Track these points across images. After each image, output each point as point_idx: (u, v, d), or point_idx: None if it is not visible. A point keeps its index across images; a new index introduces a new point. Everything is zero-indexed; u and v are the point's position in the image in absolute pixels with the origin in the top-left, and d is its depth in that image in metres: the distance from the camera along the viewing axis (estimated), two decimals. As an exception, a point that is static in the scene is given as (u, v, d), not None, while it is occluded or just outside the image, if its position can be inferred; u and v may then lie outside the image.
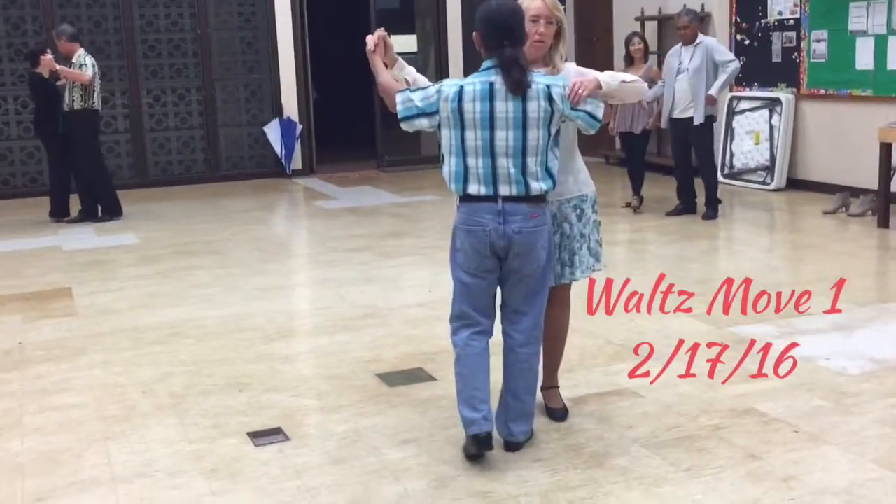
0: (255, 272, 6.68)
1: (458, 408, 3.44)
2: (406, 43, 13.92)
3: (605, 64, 11.83)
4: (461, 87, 3.33)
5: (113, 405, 4.18)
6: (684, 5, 10.38)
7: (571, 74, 3.58)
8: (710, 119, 7.97)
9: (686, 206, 8.24)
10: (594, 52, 12.25)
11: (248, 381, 4.43)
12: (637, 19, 11.04)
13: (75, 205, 9.07)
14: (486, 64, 3.37)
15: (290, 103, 11.73)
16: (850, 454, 3.42)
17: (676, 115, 7.99)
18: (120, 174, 11.21)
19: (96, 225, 8.75)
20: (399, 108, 3.45)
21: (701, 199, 8.12)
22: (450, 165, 3.40)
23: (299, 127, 11.71)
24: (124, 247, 7.73)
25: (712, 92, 7.78)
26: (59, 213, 9.04)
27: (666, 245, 7.27)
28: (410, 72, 3.83)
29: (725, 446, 3.52)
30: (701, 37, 8.09)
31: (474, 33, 3.43)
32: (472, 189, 3.36)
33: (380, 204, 9.53)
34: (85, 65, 8.56)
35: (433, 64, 12.71)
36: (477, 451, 3.40)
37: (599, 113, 3.43)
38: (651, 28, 10.99)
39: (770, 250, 7.31)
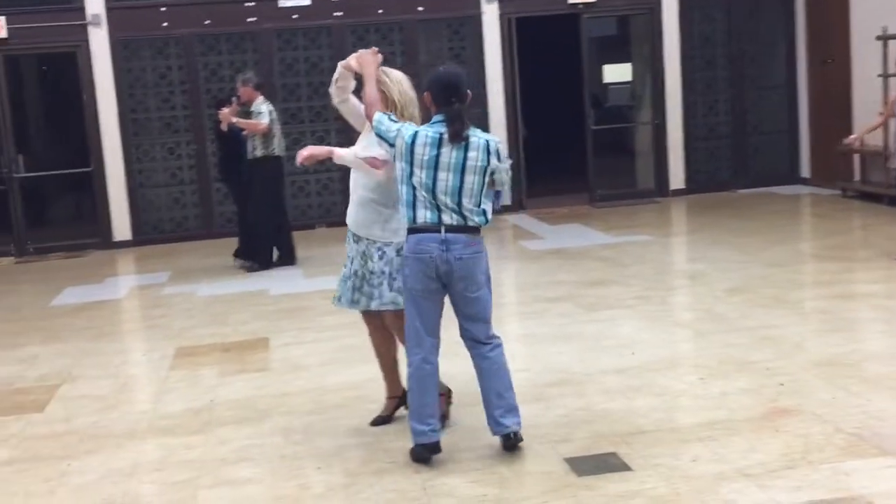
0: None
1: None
2: (621, 72, 13.35)
3: (841, 88, 10.79)
4: (416, 133, 3.96)
5: (286, 482, 4.00)
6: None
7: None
8: None
9: None
10: (825, 74, 11.21)
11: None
12: (879, 38, 9.94)
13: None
14: (436, 118, 3.98)
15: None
16: None
17: None
18: (309, 213, 11.45)
19: (283, 269, 8.70)
20: (374, 124, 4.03)
21: None
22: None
23: (509, 162, 11.42)
24: (328, 291, 7.69)
25: None
26: (245, 255, 8.97)
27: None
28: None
29: None
30: None
31: (425, 93, 4.04)
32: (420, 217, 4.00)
33: (588, 245, 9.05)
34: (261, 112, 8.46)
35: (649, 93, 12.09)
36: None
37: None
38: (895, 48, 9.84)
39: None
